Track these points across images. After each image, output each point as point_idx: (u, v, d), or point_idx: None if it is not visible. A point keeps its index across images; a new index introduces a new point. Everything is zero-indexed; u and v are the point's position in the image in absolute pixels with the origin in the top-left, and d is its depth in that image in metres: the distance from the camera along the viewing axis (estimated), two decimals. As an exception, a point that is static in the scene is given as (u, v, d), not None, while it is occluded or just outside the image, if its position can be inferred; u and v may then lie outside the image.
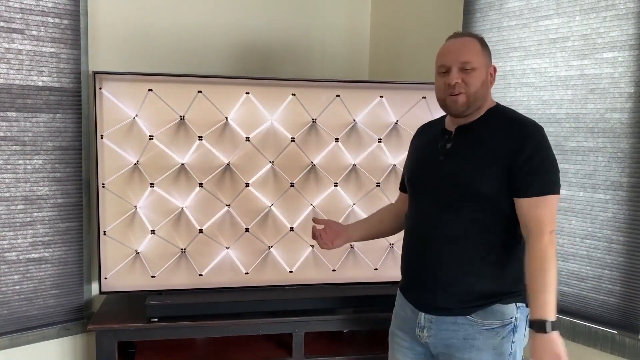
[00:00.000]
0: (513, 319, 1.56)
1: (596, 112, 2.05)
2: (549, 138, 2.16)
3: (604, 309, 2.06)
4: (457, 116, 1.60)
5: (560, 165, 2.13)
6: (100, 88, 2.13)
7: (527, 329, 1.59)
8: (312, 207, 2.36)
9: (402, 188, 1.87)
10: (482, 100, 1.57)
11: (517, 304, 1.57)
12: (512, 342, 1.57)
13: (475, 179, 1.53)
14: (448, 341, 1.58)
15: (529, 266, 1.48)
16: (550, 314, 1.43)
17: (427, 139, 1.71)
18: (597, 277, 2.07)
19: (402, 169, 1.88)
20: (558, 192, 1.54)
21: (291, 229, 2.35)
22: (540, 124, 2.19)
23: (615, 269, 2.02)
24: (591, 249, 2.09)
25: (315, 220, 1.86)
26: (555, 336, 1.42)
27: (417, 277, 1.65)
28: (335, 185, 2.37)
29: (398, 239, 1.90)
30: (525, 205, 1.50)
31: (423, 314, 1.62)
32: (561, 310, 2.18)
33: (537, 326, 1.43)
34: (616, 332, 2.01)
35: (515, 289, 1.56)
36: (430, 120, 1.82)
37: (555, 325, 1.43)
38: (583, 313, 2.12)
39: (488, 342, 1.54)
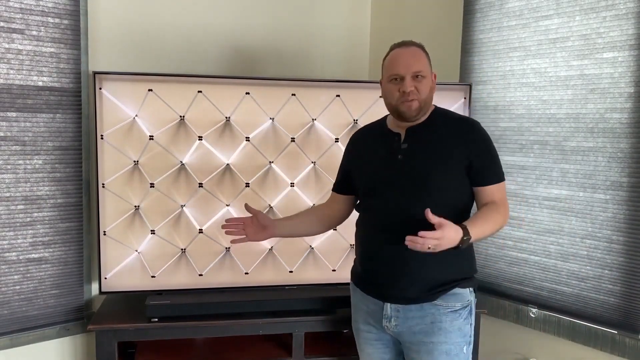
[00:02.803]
0: (469, 302, 1.71)
1: (596, 112, 2.05)
2: (549, 138, 2.20)
3: (604, 309, 2.06)
4: (408, 120, 1.72)
5: (560, 165, 2.17)
6: (100, 88, 2.13)
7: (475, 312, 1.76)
8: (311, 207, 2.36)
9: (338, 189, 1.96)
10: (429, 104, 1.73)
11: (470, 288, 1.73)
12: (471, 324, 1.71)
13: (437, 173, 1.66)
14: (416, 328, 1.68)
15: (490, 209, 1.65)
16: (474, 237, 1.56)
17: (373, 142, 1.83)
18: (597, 277, 2.07)
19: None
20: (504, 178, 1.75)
21: (291, 229, 2.35)
22: (541, 123, 2.22)
23: (615, 269, 2.02)
24: (591, 249, 2.09)
25: (247, 206, 1.86)
26: (459, 244, 1.53)
27: (381, 271, 1.73)
28: (335, 185, 2.37)
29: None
30: (488, 192, 1.68)
31: (389, 304, 1.71)
32: (561, 310, 2.18)
33: (465, 240, 1.53)
34: (616, 332, 2.01)
35: (470, 274, 1.74)
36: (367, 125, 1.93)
37: (466, 242, 1.54)
38: (583, 313, 2.12)
39: (453, 324, 1.67)
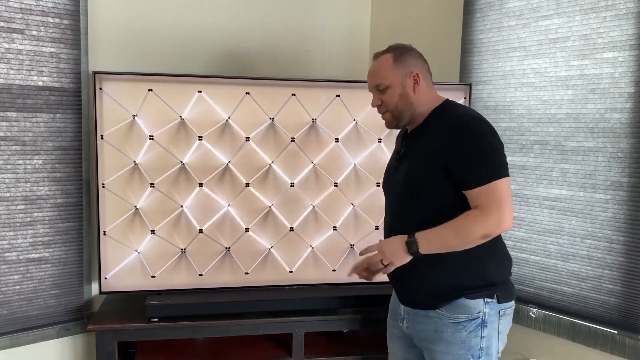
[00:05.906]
0: (481, 314, 1.60)
1: (596, 112, 2.05)
2: (549, 138, 2.19)
3: (604, 309, 2.06)
4: (396, 128, 1.77)
5: (560, 165, 2.16)
6: (100, 88, 2.13)
7: (500, 323, 1.64)
8: (312, 207, 2.36)
9: None
10: (409, 110, 1.67)
11: (485, 299, 1.60)
12: (482, 337, 1.61)
13: (420, 179, 1.61)
14: (422, 333, 1.68)
15: (458, 217, 1.53)
16: (424, 248, 1.55)
17: (396, 143, 1.86)
18: (598, 277, 2.07)
19: None
20: (504, 176, 1.55)
21: (291, 229, 2.35)
22: (541, 123, 2.21)
23: (615, 269, 2.02)
24: (591, 249, 2.09)
25: (362, 253, 1.74)
26: (404, 256, 1.56)
27: (395, 272, 1.71)
28: (335, 185, 2.37)
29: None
30: (474, 195, 1.53)
31: (402, 306, 1.74)
32: (561, 310, 2.18)
33: (410, 243, 1.55)
34: (616, 332, 2.01)
35: (482, 283, 1.61)
36: None
37: (412, 252, 1.55)
38: (583, 313, 2.12)
39: (456, 336, 1.61)
